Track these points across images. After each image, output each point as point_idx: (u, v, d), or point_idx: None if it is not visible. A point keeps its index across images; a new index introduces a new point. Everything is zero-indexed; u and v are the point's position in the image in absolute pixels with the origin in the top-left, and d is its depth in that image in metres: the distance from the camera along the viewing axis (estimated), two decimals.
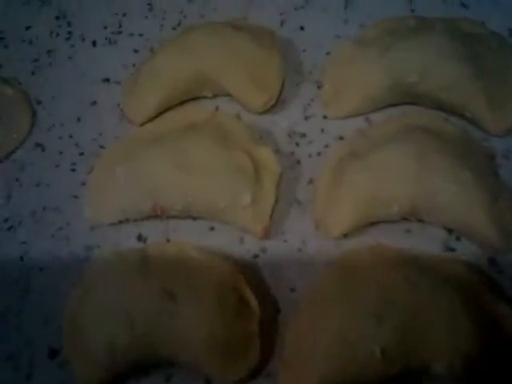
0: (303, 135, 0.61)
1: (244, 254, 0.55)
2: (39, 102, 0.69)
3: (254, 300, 0.50)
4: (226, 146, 0.57)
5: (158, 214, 0.57)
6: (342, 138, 0.60)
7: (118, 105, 0.66)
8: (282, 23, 0.70)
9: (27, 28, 0.76)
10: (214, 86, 0.63)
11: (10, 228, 0.60)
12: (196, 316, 0.48)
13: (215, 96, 0.65)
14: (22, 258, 0.58)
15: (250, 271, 0.54)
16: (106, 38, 0.73)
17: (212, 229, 0.57)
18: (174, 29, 0.72)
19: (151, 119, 0.63)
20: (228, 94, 0.64)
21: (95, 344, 0.48)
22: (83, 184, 0.61)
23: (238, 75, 0.61)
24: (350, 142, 0.58)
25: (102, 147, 0.64)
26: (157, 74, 0.63)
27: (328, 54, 0.66)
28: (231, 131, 0.59)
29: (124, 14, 0.75)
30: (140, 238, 0.58)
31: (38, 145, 0.65)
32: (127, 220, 0.58)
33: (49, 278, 0.56)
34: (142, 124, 0.63)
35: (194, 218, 0.57)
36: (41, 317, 0.54)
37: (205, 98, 0.65)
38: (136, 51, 0.71)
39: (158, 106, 0.63)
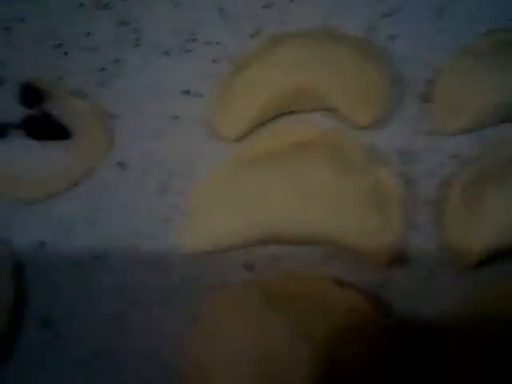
0: (413, 153, 0.57)
1: (366, 285, 0.50)
2: (112, 116, 0.63)
3: None
4: (345, 166, 0.52)
5: (269, 241, 0.52)
6: (455, 157, 0.56)
7: (204, 119, 0.61)
8: (370, 31, 0.66)
9: (87, 35, 0.70)
10: (314, 99, 0.58)
11: (96, 257, 0.54)
12: None
13: (310, 111, 0.60)
14: (112, 292, 0.51)
15: (374, 304, 0.49)
16: (180, 47, 0.67)
17: (328, 256, 0.52)
18: (252, 37, 0.67)
19: (244, 135, 0.58)
20: (326, 109, 0.59)
21: None
22: (176, 206, 0.56)
23: (343, 88, 0.57)
24: (474, 161, 0.54)
25: (191, 165, 0.58)
26: (251, 87, 0.58)
27: (427, 65, 0.62)
28: (346, 150, 0.54)
29: (196, 21, 0.69)
30: (247, 266, 0.52)
31: (119, 163, 0.59)
32: (232, 247, 0.53)
33: (146, 315, 0.50)
34: (236, 140, 0.58)
35: (307, 245, 0.52)
36: (139, 360, 0.48)
37: (296, 112, 0.60)
38: (214, 61, 0.66)
39: (253, 120, 0.58)
